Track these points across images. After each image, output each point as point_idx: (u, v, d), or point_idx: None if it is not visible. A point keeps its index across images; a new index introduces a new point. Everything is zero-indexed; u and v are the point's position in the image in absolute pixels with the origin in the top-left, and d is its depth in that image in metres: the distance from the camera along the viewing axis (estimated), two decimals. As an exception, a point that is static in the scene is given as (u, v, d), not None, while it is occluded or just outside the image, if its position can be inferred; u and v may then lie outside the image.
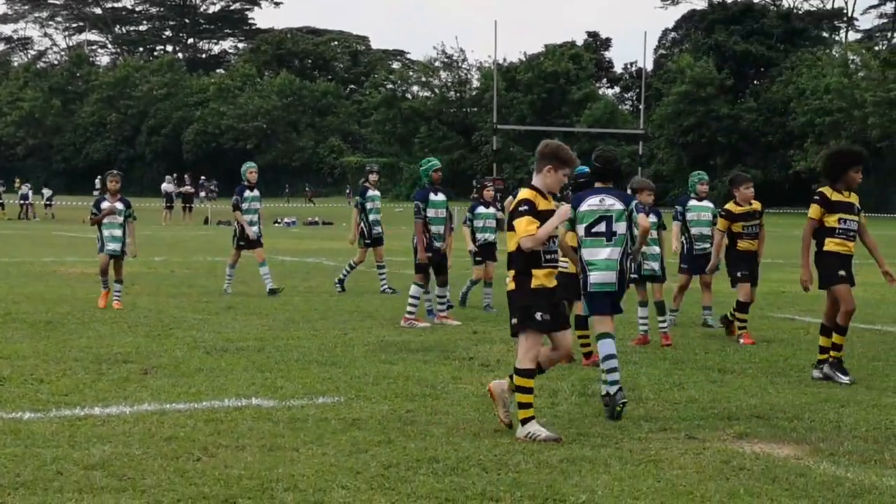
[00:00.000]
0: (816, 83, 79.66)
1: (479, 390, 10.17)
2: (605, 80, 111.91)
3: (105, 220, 16.73)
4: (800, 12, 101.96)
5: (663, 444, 8.20)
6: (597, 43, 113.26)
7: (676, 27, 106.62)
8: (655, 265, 13.70)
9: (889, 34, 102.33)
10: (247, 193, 18.97)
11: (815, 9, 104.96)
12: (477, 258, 16.93)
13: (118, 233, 16.75)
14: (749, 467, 7.58)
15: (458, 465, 7.47)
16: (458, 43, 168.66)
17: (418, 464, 7.50)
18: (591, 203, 9.65)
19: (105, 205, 16.83)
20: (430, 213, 15.29)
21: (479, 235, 16.96)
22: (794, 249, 15.82)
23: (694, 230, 15.34)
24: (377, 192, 19.37)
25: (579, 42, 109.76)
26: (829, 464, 7.69)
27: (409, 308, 15.00)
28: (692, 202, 15.47)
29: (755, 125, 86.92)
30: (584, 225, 9.60)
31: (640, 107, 67.81)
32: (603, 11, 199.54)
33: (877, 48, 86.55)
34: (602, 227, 9.54)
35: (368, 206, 19.01)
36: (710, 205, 15.58)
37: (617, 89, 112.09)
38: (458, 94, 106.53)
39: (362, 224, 19.01)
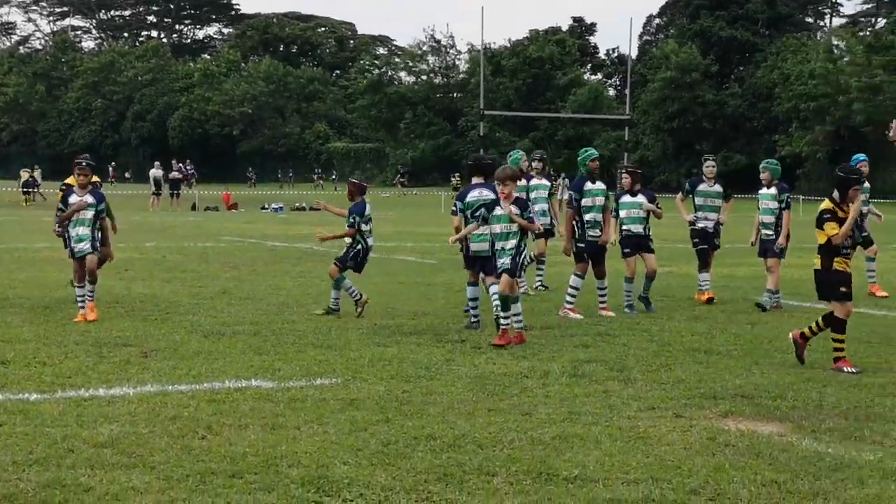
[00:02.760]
0: (801, 68, 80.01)
1: (471, 372, 10.47)
2: (589, 66, 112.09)
3: (73, 217, 14.23)
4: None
5: (652, 422, 8.50)
6: (581, 28, 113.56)
7: (661, 13, 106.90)
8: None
9: (873, 20, 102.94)
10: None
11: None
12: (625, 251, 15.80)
13: (84, 231, 14.13)
14: (734, 443, 7.88)
15: (455, 442, 7.75)
16: (449, 29, 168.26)
17: (416, 441, 7.77)
18: (472, 195, 13.32)
19: (73, 199, 14.30)
20: (587, 202, 14.98)
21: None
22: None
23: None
24: (543, 182, 17.65)
25: (564, 27, 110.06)
26: (811, 440, 8.00)
27: (567, 298, 14.84)
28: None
29: (740, 110, 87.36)
30: (469, 211, 13.23)
31: (626, 92, 68.00)
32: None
33: (861, 33, 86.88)
34: (480, 212, 12.90)
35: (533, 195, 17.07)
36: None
37: (600, 75, 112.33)
38: (444, 80, 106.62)
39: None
